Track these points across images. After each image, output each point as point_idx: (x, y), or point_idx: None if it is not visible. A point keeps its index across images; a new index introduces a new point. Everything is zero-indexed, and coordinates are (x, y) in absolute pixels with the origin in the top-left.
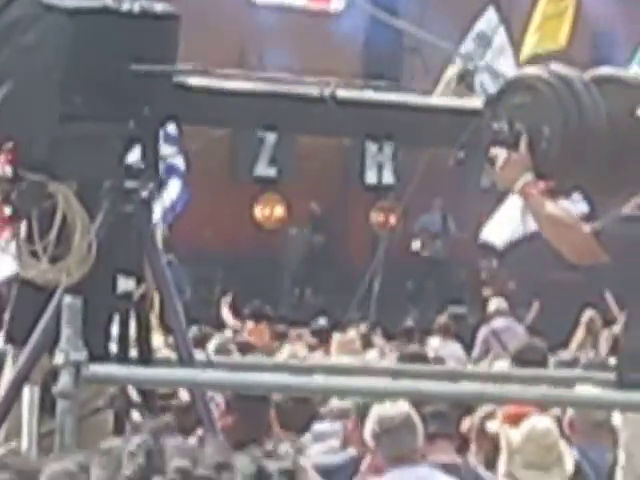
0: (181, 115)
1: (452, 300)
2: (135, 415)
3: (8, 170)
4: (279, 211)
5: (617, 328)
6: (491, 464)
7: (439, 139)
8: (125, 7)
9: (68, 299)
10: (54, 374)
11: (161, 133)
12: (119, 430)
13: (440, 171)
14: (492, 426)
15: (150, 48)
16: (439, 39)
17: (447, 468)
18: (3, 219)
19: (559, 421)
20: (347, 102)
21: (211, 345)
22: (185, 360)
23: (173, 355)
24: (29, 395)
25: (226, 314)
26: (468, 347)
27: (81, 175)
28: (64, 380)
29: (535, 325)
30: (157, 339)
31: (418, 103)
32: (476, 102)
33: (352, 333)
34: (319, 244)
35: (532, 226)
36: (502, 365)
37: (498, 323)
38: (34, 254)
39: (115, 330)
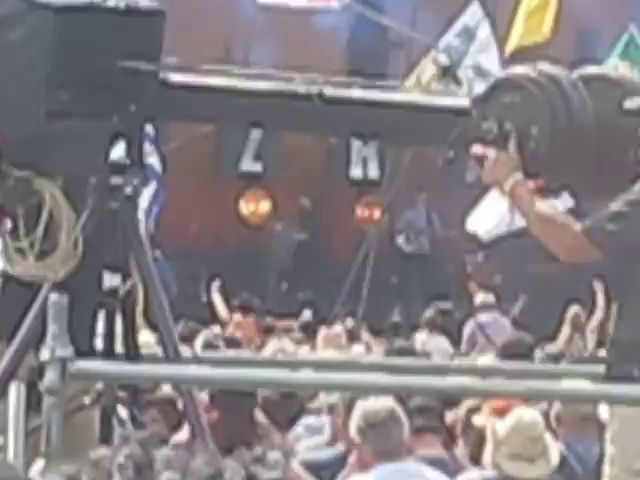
0: (166, 112)
1: (437, 295)
2: (121, 411)
3: None
4: (264, 206)
5: (602, 320)
6: (477, 458)
7: (427, 138)
8: (110, 4)
9: (54, 296)
10: (40, 370)
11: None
12: (105, 426)
13: (425, 166)
14: (478, 420)
15: (135, 44)
16: (421, 35)
17: (434, 462)
18: None
19: (546, 415)
20: (335, 100)
21: (198, 341)
22: (171, 356)
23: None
24: (15, 392)
25: (217, 300)
26: (455, 341)
27: (67, 171)
28: (50, 376)
29: (521, 318)
30: (148, 336)
31: (405, 101)
32: (463, 101)
33: (338, 328)
34: (305, 239)
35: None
36: (486, 359)
37: (484, 317)
38: (20, 251)
39: (101, 326)
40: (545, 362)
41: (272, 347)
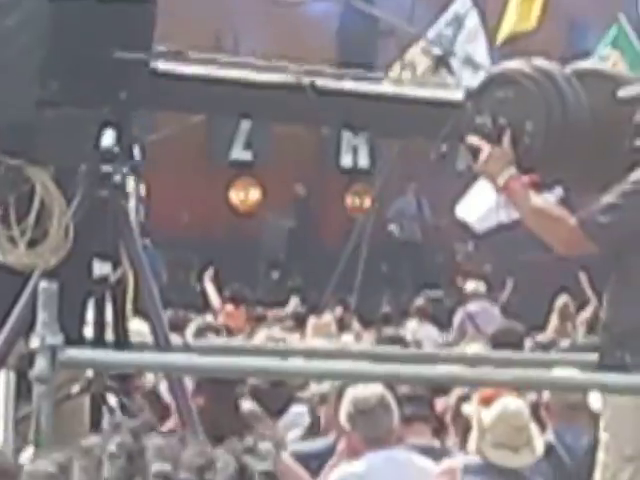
0: (155, 100)
1: (427, 283)
2: (111, 399)
3: None
4: (255, 195)
5: (590, 310)
6: (467, 446)
7: (419, 130)
8: None
9: (44, 283)
10: (30, 358)
11: None
12: (95, 414)
13: (415, 155)
14: (468, 408)
15: (127, 32)
16: (415, 24)
17: (423, 451)
18: None
19: (537, 404)
20: (326, 92)
21: (189, 329)
22: (161, 344)
23: None
24: (5, 380)
25: (210, 289)
26: (445, 330)
27: (58, 159)
28: (40, 364)
29: (510, 305)
30: (141, 325)
31: (397, 94)
32: (456, 94)
33: (328, 317)
34: (295, 227)
35: (511, 215)
36: (475, 348)
37: (473, 307)
38: (11, 239)
39: (91, 314)
40: (535, 351)
41: (262, 335)
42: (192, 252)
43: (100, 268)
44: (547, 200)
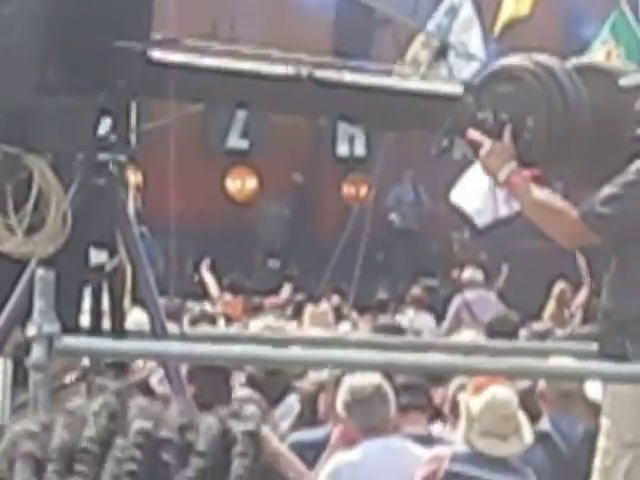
0: (152, 89)
1: (423, 272)
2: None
3: None
4: (251, 183)
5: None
6: None
7: (417, 123)
8: None
9: (41, 271)
10: (27, 347)
11: None
12: None
13: (411, 143)
14: (463, 397)
15: (124, 20)
16: (411, 14)
17: (420, 439)
18: None
19: (529, 392)
20: (324, 83)
21: (186, 318)
22: (158, 332)
23: None
24: (2, 368)
25: (208, 278)
26: (441, 319)
27: (55, 147)
28: (37, 352)
29: (505, 292)
30: (141, 315)
31: (396, 86)
32: (456, 87)
33: (324, 305)
34: (292, 216)
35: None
36: (468, 335)
37: (470, 294)
38: (9, 228)
39: (87, 303)
40: (531, 340)
41: (257, 323)
42: (188, 241)
43: (96, 256)
44: (550, 193)
